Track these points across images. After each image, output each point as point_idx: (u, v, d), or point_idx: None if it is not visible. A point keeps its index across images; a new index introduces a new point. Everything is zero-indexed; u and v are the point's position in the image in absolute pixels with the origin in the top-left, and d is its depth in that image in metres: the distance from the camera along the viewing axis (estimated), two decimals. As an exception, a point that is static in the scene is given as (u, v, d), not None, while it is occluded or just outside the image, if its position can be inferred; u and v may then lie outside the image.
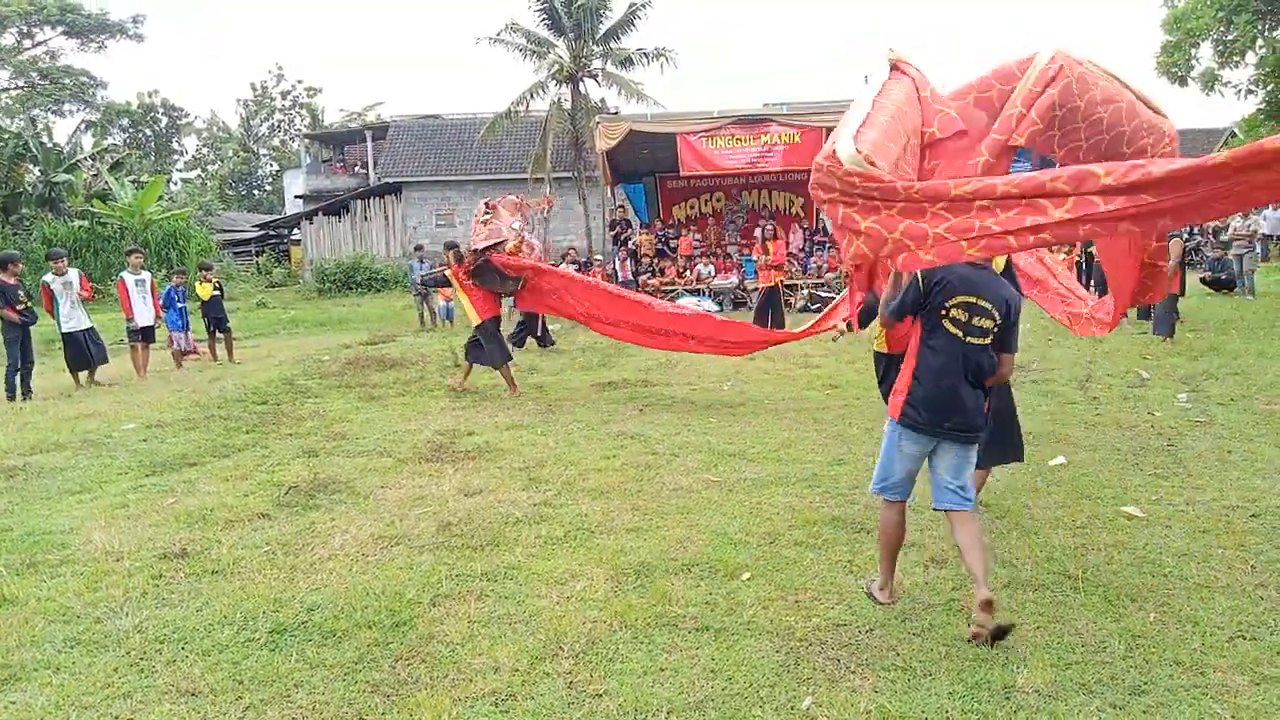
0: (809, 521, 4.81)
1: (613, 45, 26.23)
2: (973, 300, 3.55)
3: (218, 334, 13.42)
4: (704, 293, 19.36)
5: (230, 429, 7.77)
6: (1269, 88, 14.60)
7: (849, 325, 6.63)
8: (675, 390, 9.24)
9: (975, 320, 3.56)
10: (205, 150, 59.75)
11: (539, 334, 13.29)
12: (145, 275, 12.03)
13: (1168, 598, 3.73)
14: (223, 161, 58.00)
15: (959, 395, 3.54)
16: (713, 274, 20.05)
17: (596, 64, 26.30)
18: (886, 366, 5.17)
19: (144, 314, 11.74)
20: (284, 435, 7.52)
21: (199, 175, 58.18)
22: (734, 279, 20.05)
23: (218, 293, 13.56)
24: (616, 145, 18.66)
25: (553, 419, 7.89)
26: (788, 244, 20.22)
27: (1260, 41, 14.34)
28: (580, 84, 26.41)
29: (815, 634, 3.50)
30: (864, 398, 8.47)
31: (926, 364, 3.60)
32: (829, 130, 18.53)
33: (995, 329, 3.59)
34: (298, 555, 4.55)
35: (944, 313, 3.57)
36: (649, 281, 19.33)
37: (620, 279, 18.81)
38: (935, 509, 3.75)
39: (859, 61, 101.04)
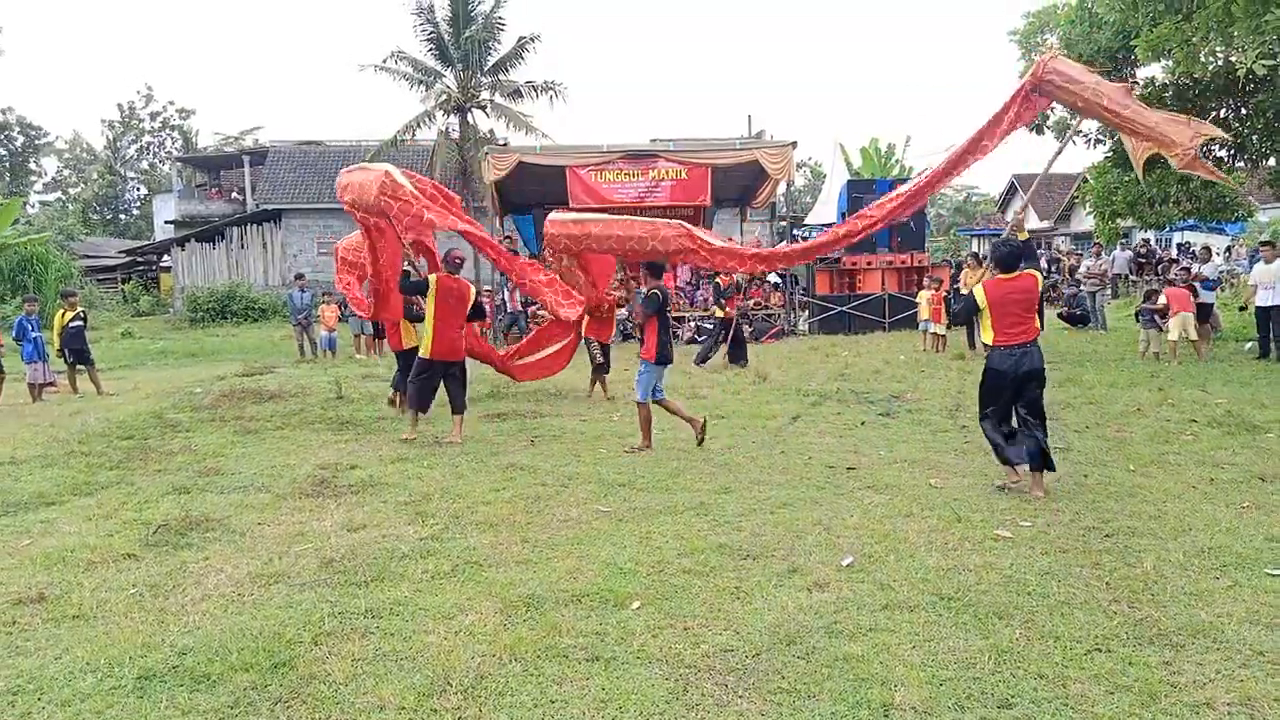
0: (697, 549, 4.88)
1: (501, 77, 26.24)
2: None
3: (78, 366, 12.69)
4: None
5: (93, 465, 7.34)
6: (1114, 138, 15.78)
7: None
8: (565, 421, 9.23)
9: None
10: (67, 172, 56.64)
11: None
12: None
13: (1032, 614, 3.95)
14: (86, 184, 55.04)
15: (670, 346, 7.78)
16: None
17: (485, 95, 26.24)
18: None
19: None
20: (152, 471, 7.14)
21: (60, 198, 55.04)
22: (624, 311, 20.20)
23: (80, 322, 12.83)
24: (505, 176, 18.61)
25: (440, 452, 7.76)
26: (675, 277, 20.58)
27: (1106, 96, 15.50)
28: (468, 114, 26.29)
29: (704, 660, 3.55)
30: (749, 427, 8.68)
31: (665, 338, 7.70)
32: (714, 168, 19.08)
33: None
34: (168, 597, 4.33)
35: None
36: (539, 313, 19.29)
37: (509, 309, 18.73)
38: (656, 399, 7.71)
39: (741, 103, 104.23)
